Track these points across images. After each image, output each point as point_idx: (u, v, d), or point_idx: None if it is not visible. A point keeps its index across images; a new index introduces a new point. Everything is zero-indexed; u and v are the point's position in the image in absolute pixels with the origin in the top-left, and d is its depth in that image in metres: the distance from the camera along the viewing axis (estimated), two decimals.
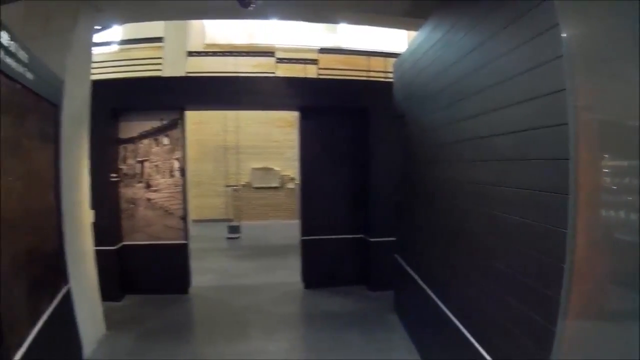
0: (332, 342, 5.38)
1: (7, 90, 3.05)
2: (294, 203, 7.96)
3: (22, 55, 3.19)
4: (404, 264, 5.55)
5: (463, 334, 3.46)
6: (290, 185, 13.63)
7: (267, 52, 9.73)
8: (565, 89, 2.13)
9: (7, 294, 3.05)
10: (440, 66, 4.10)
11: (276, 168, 14.39)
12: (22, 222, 3.53)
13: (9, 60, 2.92)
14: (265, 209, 14.49)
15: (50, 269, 4.21)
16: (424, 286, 4.63)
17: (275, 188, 14.58)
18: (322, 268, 7.52)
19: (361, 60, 10.59)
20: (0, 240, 3.02)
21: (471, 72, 3.31)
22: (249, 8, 4.99)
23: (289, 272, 7.91)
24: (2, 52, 2.79)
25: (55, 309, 4.02)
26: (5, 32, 2.78)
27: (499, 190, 2.87)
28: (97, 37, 7.29)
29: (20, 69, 3.18)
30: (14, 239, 3.34)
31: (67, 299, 4.50)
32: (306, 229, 7.54)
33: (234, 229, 12.36)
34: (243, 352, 5.15)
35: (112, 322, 5.77)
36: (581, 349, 2.20)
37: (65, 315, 4.39)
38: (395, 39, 12.20)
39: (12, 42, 2.93)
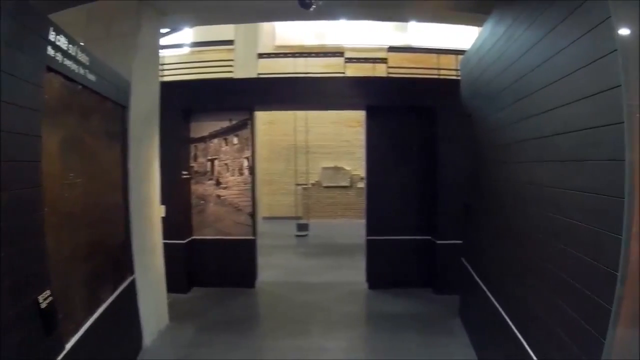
0: (390, 343, 5.22)
1: (67, 91, 3.20)
2: (363, 202, 7.76)
3: (83, 57, 3.32)
4: (469, 267, 5.24)
5: (523, 345, 3.16)
6: (360, 185, 13.42)
7: (336, 53, 9.60)
8: (620, 86, 1.86)
9: (66, 282, 3.20)
10: (503, 63, 3.82)
11: (346, 167, 14.29)
12: (87, 215, 3.70)
13: (68, 63, 3.05)
14: (334, 207, 14.43)
15: (115, 260, 4.39)
16: (487, 292, 4.34)
17: (344, 187, 14.47)
18: (387, 269, 7.30)
19: (431, 59, 10.18)
20: (62, 231, 3.19)
21: (531, 69, 3.03)
22: (311, 9, 4.91)
23: (355, 272, 7.76)
24: (61, 55, 2.91)
25: (118, 298, 4.19)
26: (62, 35, 2.89)
27: (558, 192, 2.59)
28: (168, 40, 7.61)
29: (81, 70, 3.31)
30: (78, 230, 3.51)
31: (131, 289, 4.68)
32: (372, 229, 7.36)
33: (303, 227, 12.41)
34: (302, 348, 5.13)
35: (176, 313, 5.96)
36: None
37: (128, 304, 4.56)
38: (466, 36, 11.63)
39: (70, 46, 3.05)
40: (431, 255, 7.08)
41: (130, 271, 4.76)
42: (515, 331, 3.40)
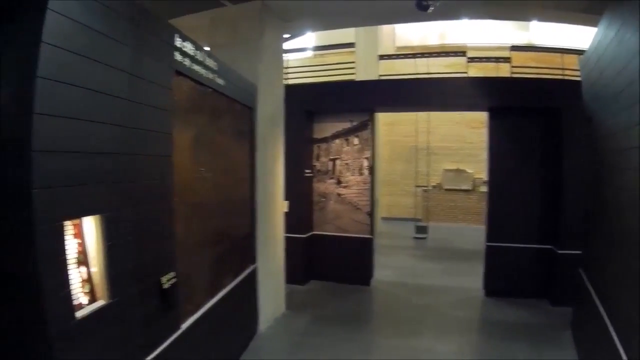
0: (498, 351, 4.85)
1: (197, 93, 3.40)
2: (485, 207, 7.24)
3: (211, 62, 3.50)
4: (585, 279, 4.62)
5: None
6: (483, 189, 12.56)
7: (458, 52, 9.06)
8: None
9: (192, 267, 3.40)
10: (617, 65, 3.33)
11: (469, 170, 13.44)
12: (215, 206, 3.91)
13: (196, 68, 3.23)
14: (455, 211, 13.68)
15: (240, 249, 4.60)
16: (599, 306, 3.80)
17: (466, 191, 13.64)
18: (505, 276, 6.70)
19: (555, 58, 9.11)
20: (191, 220, 3.40)
21: None
22: (428, 11, 4.66)
23: (472, 278, 7.27)
24: (189, 60, 3.10)
25: (239, 284, 4.38)
26: (188, 42, 3.07)
27: None
28: (291, 44, 7.81)
29: (209, 75, 3.50)
30: (206, 220, 3.73)
31: (252, 277, 4.87)
32: (491, 235, 6.81)
33: (421, 229, 11.97)
34: (413, 348, 4.96)
35: (293, 303, 6.11)
36: None
37: (247, 291, 4.75)
38: (589, 35, 10.22)
39: (197, 52, 3.23)
40: (551, 265, 6.37)
41: (253, 260, 4.96)
42: (620, 349, 2.96)
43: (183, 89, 3.09)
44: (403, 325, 5.67)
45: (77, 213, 2.07)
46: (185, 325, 3.15)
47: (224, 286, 4.04)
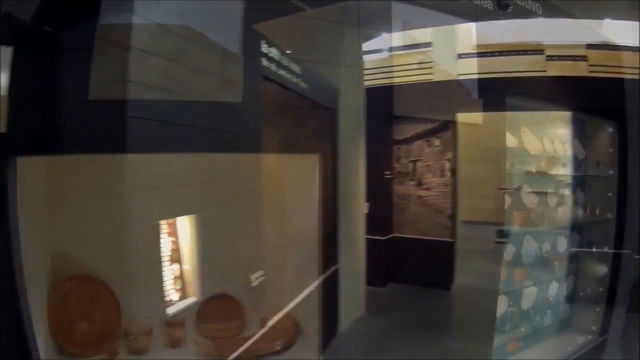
0: None
1: (283, 97, 3.44)
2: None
3: (295, 67, 3.53)
4: None
5: None
6: (567, 191, 11.60)
7: (536, 50, 8.47)
8: None
9: (277, 266, 3.44)
10: None
11: (552, 172, 12.45)
12: (299, 207, 3.94)
13: (282, 72, 3.27)
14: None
15: (322, 250, 4.59)
16: None
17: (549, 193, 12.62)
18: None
19: (634, 57, 8.22)
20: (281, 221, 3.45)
21: None
22: (508, 10, 4.43)
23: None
24: (275, 65, 3.14)
25: (321, 284, 4.36)
26: (274, 47, 3.11)
27: None
28: (367, 45, 7.70)
29: (294, 79, 3.53)
30: (290, 221, 3.76)
31: (334, 278, 4.84)
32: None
33: (504, 234, 11.29)
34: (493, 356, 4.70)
35: (372, 305, 5.99)
36: None
37: (329, 291, 4.72)
38: None
39: (283, 57, 3.26)
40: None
41: (335, 261, 4.93)
42: None
43: (270, 93, 3.13)
44: (483, 332, 5.36)
45: (172, 214, 2.14)
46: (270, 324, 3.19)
47: (307, 285, 4.04)
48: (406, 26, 7.01)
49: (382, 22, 5.91)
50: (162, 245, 2.09)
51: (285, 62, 3.30)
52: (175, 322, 2.69)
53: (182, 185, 2.16)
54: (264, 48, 2.99)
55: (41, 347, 2.13)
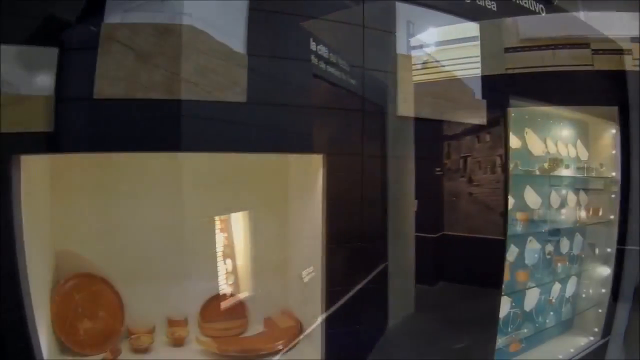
0: None
1: (331, 94, 3.43)
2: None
3: (344, 64, 3.51)
4: None
5: None
6: (614, 188, 10.96)
7: (582, 44, 8.00)
8: None
9: (328, 262, 3.46)
10: None
11: (600, 168, 11.74)
12: (350, 204, 3.94)
13: (331, 69, 3.26)
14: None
15: (372, 248, 4.57)
16: None
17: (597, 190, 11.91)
18: None
19: None
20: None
21: None
22: (554, 3, 4.27)
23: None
24: (323, 63, 3.13)
25: (370, 282, 4.33)
26: (322, 45, 3.10)
27: None
28: (415, 41, 7.52)
29: (343, 76, 3.52)
30: (340, 218, 3.77)
31: (383, 276, 4.79)
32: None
33: (555, 232, 10.77)
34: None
35: (421, 304, 5.85)
36: None
37: (378, 289, 4.68)
38: None
39: (331, 54, 3.25)
40: None
41: (385, 258, 4.88)
42: None
43: (321, 91, 3.14)
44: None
45: (225, 210, 2.18)
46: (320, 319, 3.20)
47: (357, 283, 4.03)
48: (453, 21, 6.79)
49: (430, 17, 5.78)
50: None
51: (333, 59, 3.30)
52: (177, 321, 2.75)
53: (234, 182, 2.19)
54: (312, 45, 3.00)
55: (44, 345, 2.18)
